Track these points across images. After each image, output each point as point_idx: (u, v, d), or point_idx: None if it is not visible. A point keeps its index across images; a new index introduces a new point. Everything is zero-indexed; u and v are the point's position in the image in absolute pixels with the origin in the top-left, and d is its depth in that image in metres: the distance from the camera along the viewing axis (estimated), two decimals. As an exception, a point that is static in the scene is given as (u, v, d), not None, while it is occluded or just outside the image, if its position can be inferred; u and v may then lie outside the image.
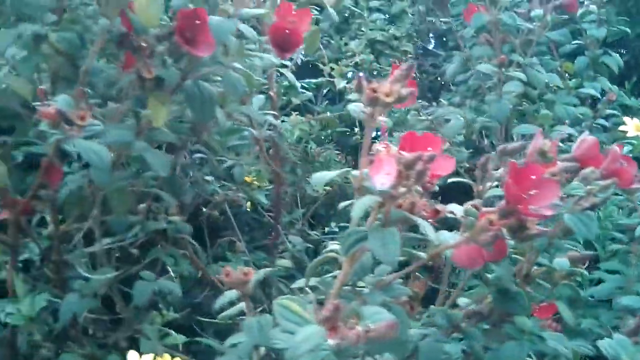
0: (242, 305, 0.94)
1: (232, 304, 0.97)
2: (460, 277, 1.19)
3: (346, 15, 2.32)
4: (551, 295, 1.06)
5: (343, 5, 2.02)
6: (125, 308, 1.31)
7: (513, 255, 1.02)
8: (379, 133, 2.09)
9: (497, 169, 1.03)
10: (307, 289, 0.96)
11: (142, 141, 1.03)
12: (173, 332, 1.47)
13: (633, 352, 0.92)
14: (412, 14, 2.40)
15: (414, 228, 0.85)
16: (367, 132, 0.86)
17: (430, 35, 2.56)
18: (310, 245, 1.77)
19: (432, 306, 1.04)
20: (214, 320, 1.67)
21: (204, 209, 1.61)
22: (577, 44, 1.61)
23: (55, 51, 1.05)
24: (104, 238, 1.29)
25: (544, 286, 1.05)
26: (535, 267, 1.04)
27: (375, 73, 2.29)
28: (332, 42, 2.31)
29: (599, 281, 1.41)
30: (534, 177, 0.78)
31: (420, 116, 1.64)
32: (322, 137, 2.12)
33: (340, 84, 1.99)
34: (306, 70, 2.10)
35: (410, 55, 2.29)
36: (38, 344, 1.33)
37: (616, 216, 1.38)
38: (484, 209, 0.83)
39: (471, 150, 1.65)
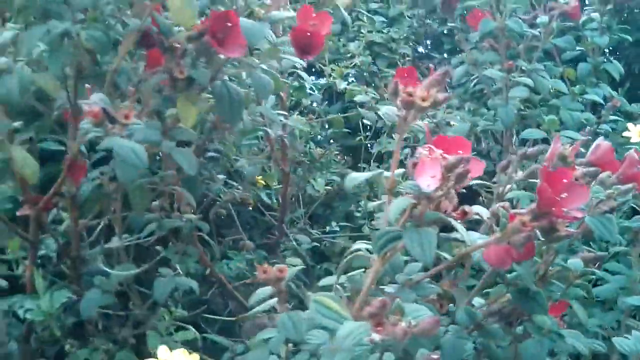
0: (272, 301, 0.96)
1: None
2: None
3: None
4: (565, 295, 1.09)
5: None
6: (141, 304, 1.33)
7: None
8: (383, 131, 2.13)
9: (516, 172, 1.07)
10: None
11: (169, 140, 1.05)
12: (185, 327, 1.50)
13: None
14: (409, 17, 2.43)
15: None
16: (399, 135, 0.89)
17: (424, 38, 2.59)
18: (317, 244, 1.79)
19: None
20: (219, 317, 1.70)
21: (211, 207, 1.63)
22: (579, 50, 1.66)
23: (85, 50, 1.06)
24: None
25: (558, 286, 1.09)
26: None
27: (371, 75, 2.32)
28: (331, 43, 2.33)
29: (597, 282, 1.45)
30: (565, 180, 0.81)
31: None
32: (321, 138, 2.15)
33: (341, 85, 2.02)
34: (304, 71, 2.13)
35: (408, 58, 2.32)
36: (46, 339, 1.34)
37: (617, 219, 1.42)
38: (514, 211, 0.86)
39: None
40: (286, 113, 1.53)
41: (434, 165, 0.77)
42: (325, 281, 1.00)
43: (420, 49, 2.55)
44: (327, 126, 2.02)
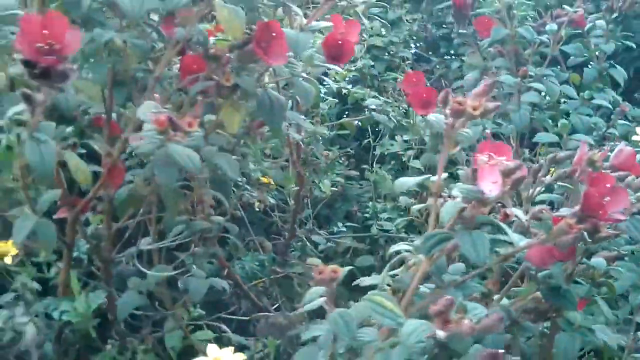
0: (320, 300, 1.00)
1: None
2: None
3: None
4: (590, 292, 1.14)
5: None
6: (172, 305, 1.36)
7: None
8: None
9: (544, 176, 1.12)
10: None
11: (210, 146, 1.08)
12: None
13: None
14: (408, 21, 2.48)
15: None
16: (446, 141, 0.94)
17: (419, 42, 2.65)
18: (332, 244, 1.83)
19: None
20: (235, 317, 1.73)
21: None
22: (585, 57, 1.72)
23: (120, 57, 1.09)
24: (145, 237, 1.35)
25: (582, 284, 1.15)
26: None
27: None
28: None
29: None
30: (608, 185, 0.86)
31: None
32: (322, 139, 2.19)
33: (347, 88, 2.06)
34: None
35: (408, 62, 2.37)
36: (73, 340, 1.37)
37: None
38: (556, 214, 0.91)
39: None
40: (303, 117, 1.57)
41: (494, 171, 0.81)
42: (368, 281, 1.04)
43: (417, 52, 2.60)
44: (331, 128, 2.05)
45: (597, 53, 1.70)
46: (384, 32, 2.40)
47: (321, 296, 0.99)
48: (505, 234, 0.88)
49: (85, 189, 1.19)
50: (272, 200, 1.89)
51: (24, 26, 0.81)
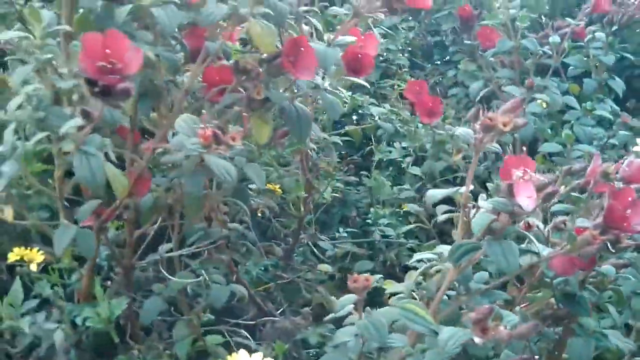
0: (349, 307, 1.04)
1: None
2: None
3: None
4: (601, 298, 1.19)
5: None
6: (189, 310, 1.38)
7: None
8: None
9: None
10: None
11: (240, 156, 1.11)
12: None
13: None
14: (403, 29, 2.52)
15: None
16: (475, 155, 0.98)
17: (414, 49, 2.69)
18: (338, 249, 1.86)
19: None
20: (242, 322, 1.75)
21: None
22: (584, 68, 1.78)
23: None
24: (166, 244, 1.37)
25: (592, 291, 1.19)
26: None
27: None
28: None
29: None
30: (630, 198, 0.91)
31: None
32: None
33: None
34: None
35: (405, 69, 2.41)
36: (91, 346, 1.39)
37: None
38: (579, 225, 0.96)
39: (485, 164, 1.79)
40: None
41: (529, 186, 0.85)
42: (394, 288, 1.08)
43: (412, 60, 2.64)
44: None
45: (596, 64, 1.76)
46: (380, 40, 2.44)
47: (354, 303, 1.03)
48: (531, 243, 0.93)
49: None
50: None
51: (86, 45, 0.84)
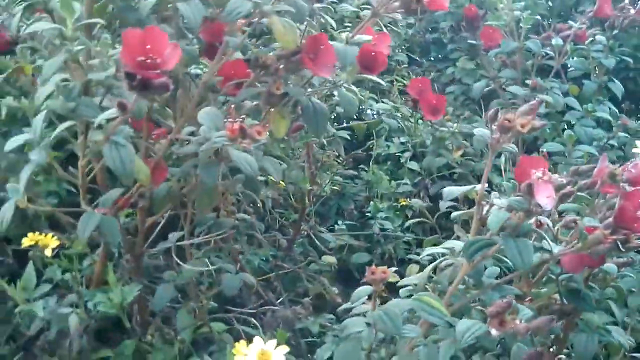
0: (363, 299, 1.07)
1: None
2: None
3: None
4: (603, 295, 1.23)
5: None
6: (198, 299, 1.41)
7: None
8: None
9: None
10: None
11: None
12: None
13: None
14: (402, 26, 2.55)
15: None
16: (490, 155, 1.01)
17: (412, 46, 2.72)
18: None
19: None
20: (245, 311, 1.78)
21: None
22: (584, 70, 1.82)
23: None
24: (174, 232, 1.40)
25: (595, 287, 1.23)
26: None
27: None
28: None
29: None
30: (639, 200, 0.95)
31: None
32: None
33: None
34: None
35: (404, 65, 2.44)
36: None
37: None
38: (589, 224, 0.99)
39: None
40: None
41: (547, 186, 0.89)
42: (407, 280, 1.11)
43: (409, 56, 2.67)
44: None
45: (595, 66, 1.80)
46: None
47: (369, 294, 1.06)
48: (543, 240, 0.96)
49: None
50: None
51: (126, 40, 0.86)
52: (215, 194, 1.30)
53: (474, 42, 1.84)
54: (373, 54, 1.28)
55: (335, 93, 1.39)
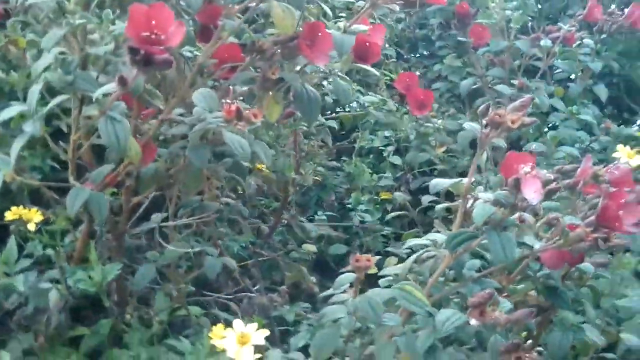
0: (345, 287, 1.08)
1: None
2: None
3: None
4: (578, 294, 1.26)
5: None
6: (180, 282, 1.41)
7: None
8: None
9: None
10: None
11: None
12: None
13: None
14: (391, 21, 2.56)
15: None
16: (480, 149, 1.03)
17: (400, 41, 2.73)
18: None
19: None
20: (222, 296, 1.79)
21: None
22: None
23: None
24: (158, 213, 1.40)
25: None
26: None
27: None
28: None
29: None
30: (623, 200, 0.97)
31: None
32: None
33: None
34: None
35: (392, 59, 2.45)
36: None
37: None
38: (571, 222, 1.01)
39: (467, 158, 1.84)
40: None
41: (535, 181, 0.90)
42: (389, 270, 1.13)
43: (397, 51, 2.68)
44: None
45: (582, 69, 1.83)
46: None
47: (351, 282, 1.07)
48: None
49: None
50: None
51: (132, 15, 0.86)
52: (202, 177, 1.31)
53: (463, 39, 1.85)
54: (367, 44, 1.29)
55: (325, 82, 1.41)
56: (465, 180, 1.03)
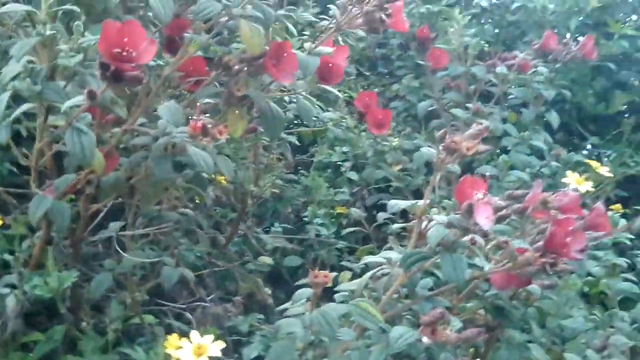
0: (301, 302, 1.10)
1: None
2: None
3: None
4: (525, 314, 1.30)
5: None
6: (136, 291, 1.42)
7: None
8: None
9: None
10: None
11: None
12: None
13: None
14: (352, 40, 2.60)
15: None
16: (435, 174, 1.07)
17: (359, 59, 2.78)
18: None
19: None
20: (177, 305, 1.79)
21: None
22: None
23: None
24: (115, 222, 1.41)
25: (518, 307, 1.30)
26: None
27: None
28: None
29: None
30: (570, 228, 1.01)
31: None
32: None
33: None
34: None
35: (352, 77, 2.49)
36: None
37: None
38: (519, 246, 1.06)
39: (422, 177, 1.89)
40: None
41: (487, 207, 0.94)
42: (344, 286, 1.15)
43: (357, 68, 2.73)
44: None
45: (535, 96, 1.89)
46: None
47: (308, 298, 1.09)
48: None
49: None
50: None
51: (105, 31, 0.88)
52: (161, 188, 1.32)
53: (422, 62, 1.90)
54: (331, 65, 1.32)
55: (287, 99, 1.44)
56: (420, 202, 1.07)
